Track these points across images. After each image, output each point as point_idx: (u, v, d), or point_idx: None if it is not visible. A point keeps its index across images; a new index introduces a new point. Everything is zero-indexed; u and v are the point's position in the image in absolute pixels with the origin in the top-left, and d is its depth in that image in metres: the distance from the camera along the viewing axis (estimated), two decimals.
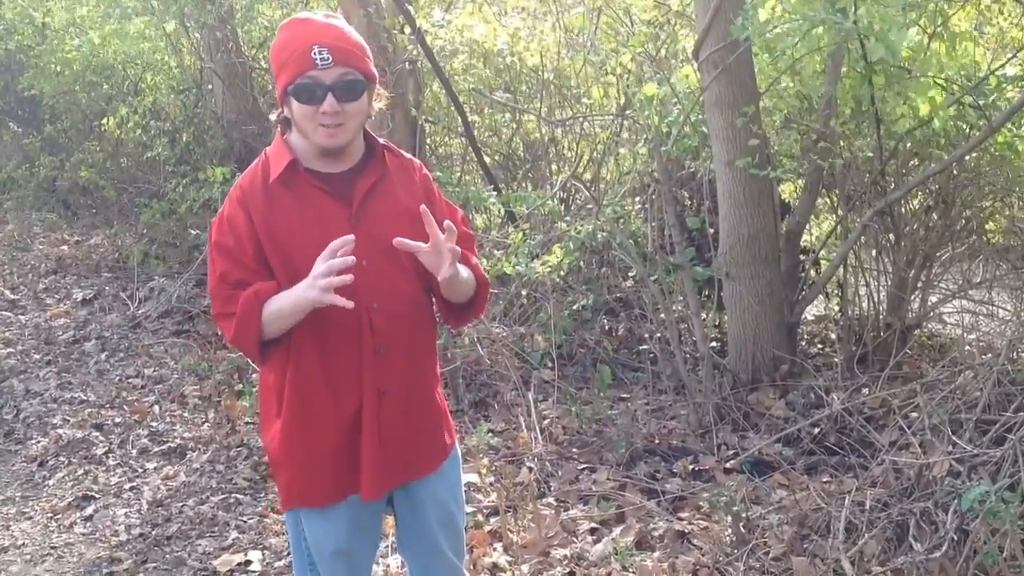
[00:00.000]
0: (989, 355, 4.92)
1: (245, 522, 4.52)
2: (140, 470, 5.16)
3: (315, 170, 2.43)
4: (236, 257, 2.38)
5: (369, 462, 2.47)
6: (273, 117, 2.49)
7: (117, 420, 5.75)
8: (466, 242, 2.60)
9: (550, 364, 5.66)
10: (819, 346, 6.29)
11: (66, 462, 5.29)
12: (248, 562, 4.13)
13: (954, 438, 3.84)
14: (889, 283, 5.83)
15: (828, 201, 6.29)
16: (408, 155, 2.64)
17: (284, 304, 2.33)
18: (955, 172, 5.48)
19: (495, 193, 6.62)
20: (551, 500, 4.43)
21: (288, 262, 2.37)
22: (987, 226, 6.04)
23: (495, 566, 3.88)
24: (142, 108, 9.32)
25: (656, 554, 3.91)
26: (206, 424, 5.66)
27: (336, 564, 2.58)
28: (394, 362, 2.45)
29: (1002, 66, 5.00)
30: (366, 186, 2.45)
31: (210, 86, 9.60)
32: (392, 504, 2.64)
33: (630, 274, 6.19)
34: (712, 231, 5.71)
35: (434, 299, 2.62)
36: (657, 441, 4.97)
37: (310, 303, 2.27)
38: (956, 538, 3.38)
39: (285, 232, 2.38)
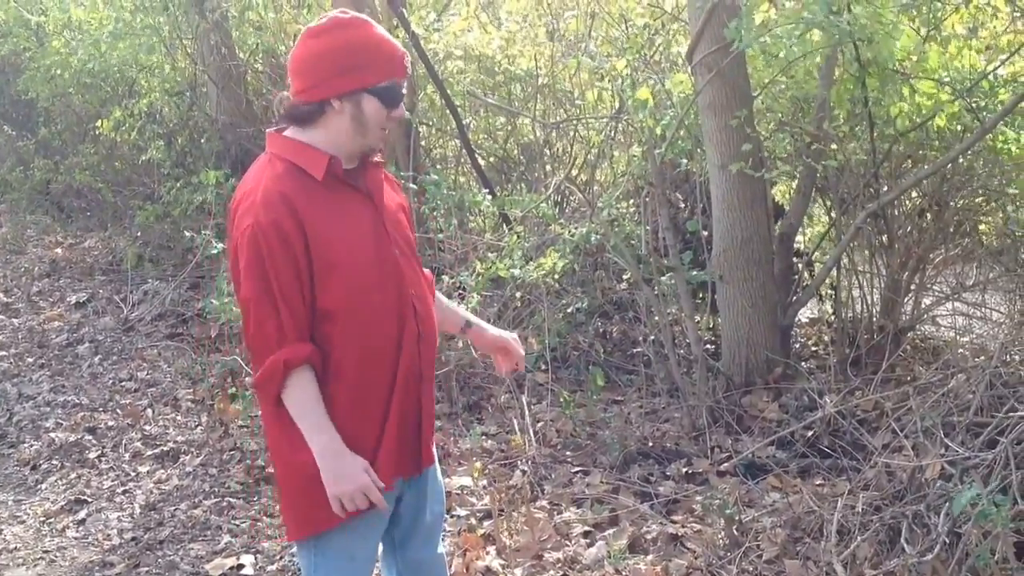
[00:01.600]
0: (982, 358, 4.92)
1: (238, 526, 4.51)
2: (133, 474, 5.15)
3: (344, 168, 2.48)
4: (284, 266, 2.33)
5: (407, 447, 2.54)
6: (300, 108, 2.43)
7: (110, 424, 5.74)
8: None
9: (544, 367, 5.66)
10: (812, 349, 6.30)
11: (59, 466, 5.28)
12: (240, 566, 4.12)
13: (946, 441, 3.84)
14: (882, 285, 5.84)
15: (822, 204, 6.30)
16: None
17: (314, 429, 2.39)
18: (948, 174, 5.49)
19: (489, 196, 6.62)
20: (544, 503, 4.43)
21: (333, 258, 2.37)
22: (980, 228, 6.04)
23: (488, 569, 3.87)
24: (137, 111, 9.30)
25: (649, 557, 3.90)
26: (199, 427, 5.65)
27: (364, 569, 2.59)
28: (429, 347, 2.56)
29: (995, 69, 5.01)
30: (379, 183, 2.55)
31: (204, 89, 9.59)
32: (397, 500, 2.63)
33: (624, 277, 6.19)
34: (706, 234, 5.71)
35: None
36: (651, 444, 4.97)
37: (337, 475, 2.38)
38: (948, 541, 3.38)
39: (329, 228, 2.38)
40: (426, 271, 2.75)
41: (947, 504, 3.44)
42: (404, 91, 2.46)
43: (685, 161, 5.97)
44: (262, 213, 2.33)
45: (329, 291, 2.38)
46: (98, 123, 9.43)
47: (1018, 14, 5.23)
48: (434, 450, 2.71)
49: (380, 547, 2.76)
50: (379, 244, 2.47)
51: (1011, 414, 3.73)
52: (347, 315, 2.40)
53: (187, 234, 7.81)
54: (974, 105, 4.82)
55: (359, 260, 2.41)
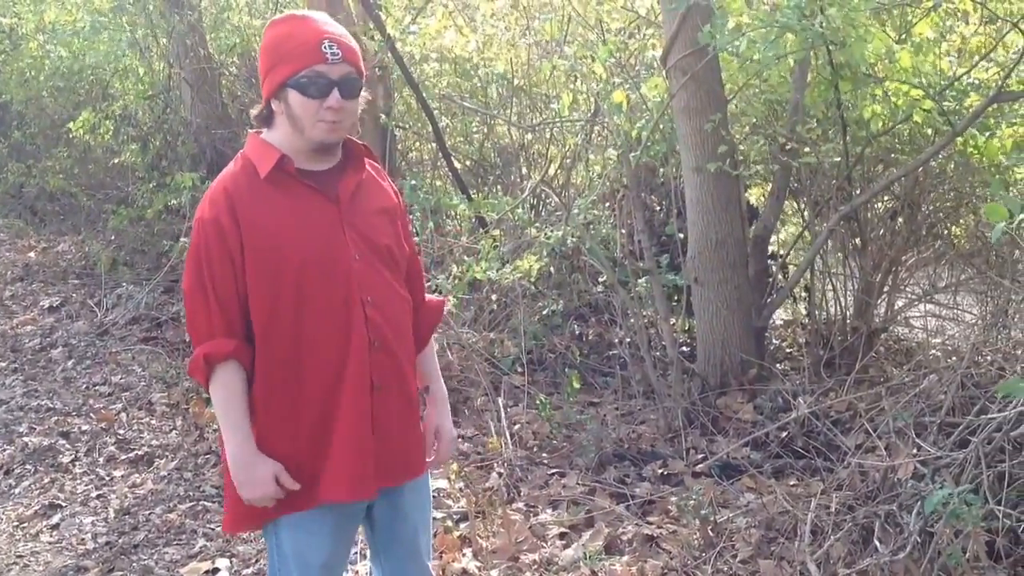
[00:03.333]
0: (954, 359, 4.97)
1: (213, 530, 4.49)
2: (107, 478, 5.12)
3: (301, 168, 2.44)
4: (219, 261, 2.35)
5: (365, 458, 2.45)
6: (254, 112, 2.48)
7: (84, 428, 5.71)
8: (418, 277, 2.73)
9: (520, 369, 5.67)
10: (787, 350, 6.33)
11: (32, 470, 5.24)
12: (216, 570, 4.10)
13: (918, 441, 3.88)
14: (856, 287, 5.88)
15: (795, 206, 6.34)
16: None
17: (227, 430, 2.40)
18: (920, 177, 5.54)
19: (466, 200, 6.64)
20: (521, 505, 4.44)
21: (274, 256, 2.37)
22: (952, 230, 6.10)
23: (464, 572, 3.88)
24: (111, 114, 9.26)
25: (625, 558, 3.92)
26: (174, 431, 5.62)
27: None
28: (388, 357, 2.48)
29: (967, 72, 5.07)
30: (352, 184, 2.50)
31: (178, 92, 9.55)
32: (370, 508, 2.61)
33: (600, 279, 6.21)
34: (682, 236, 5.74)
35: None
36: (626, 445, 4.99)
37: (242, 480, 2.39)
38: (920, 540, 3.42)
39: (272, 226, 2.37)
40: (434, 297, 2.77)
41: (919, 503, 3.47)
42: (335, 77, 2.34)
43: (663, 170, 6.01)
44: (207, 208, 2.37)
45: (258, 290, 2.37)
46: (69, 125, 9.37)
47: (987, 19, 5.29)
48: (426, 462, 2.67)
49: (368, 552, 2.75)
50: (332, 246, 2.42)
51: (982, 415, 3.78)
52: (273, 316, 2.38)
53: (163, 239, 7.82)
54: (945, 108, 4.87)
55: (296, 260, 2.38)
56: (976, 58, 5.29)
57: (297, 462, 2.43)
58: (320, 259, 2.40)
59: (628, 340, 5.74)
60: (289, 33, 2.38)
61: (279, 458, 2.42)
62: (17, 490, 5.06)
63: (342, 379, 2.42)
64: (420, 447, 2.65)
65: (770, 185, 5.85)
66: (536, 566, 3.90)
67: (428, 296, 2.78)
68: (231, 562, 4.17)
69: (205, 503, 4.74)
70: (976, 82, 5.08)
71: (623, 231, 5.91)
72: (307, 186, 2.44)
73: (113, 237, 9.03)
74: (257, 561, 4.16)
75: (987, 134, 4.98)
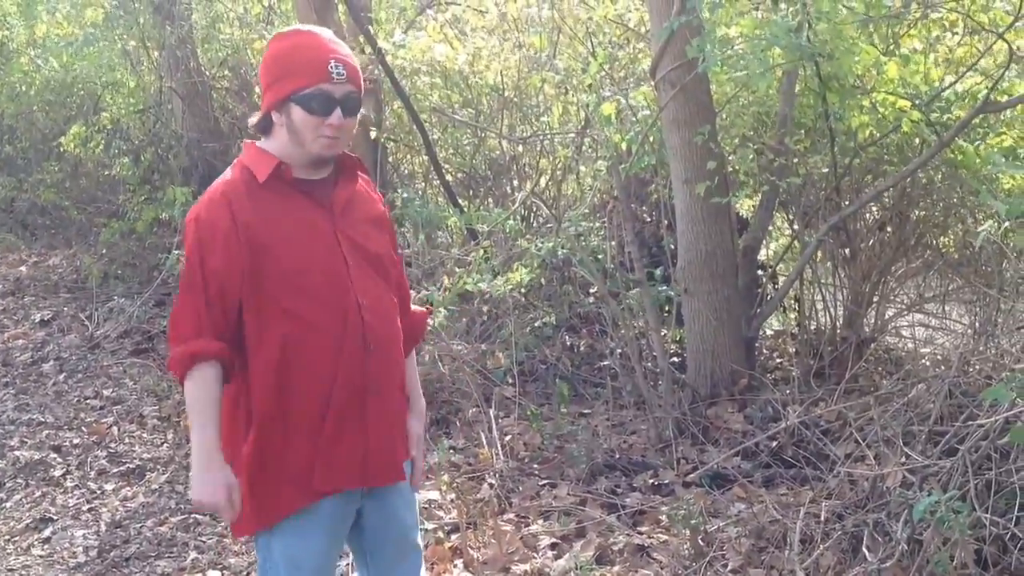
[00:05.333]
0: (942, 368, 4.99)
1: (204, 542, 4.49)
2: (98, 491, 5.12)
3: (297, 176, 2.49)
4: (217, 261, 2.38)
5: (357, 455, 2.51)
6: (253, 121, 2.52)
7: (75, 441, 5.70)
8: (405, 287, 2.80)
9: (511, 381, 5.68)
10: (777, 360, 6.35)
11: (24, 484, 5.23)
12: None
13: (907, 450, 3.90)
14: (845, 297, 5.91)
15: (784, 217, 6.37)
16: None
17: (196, 428, 2.42)
18: (908, 188, 5.57)
19: (458, 212, 6.66)
20: (512, 516, 4.44)
21: (270, 260, 2.41)
22: (941, 240, 6.13)
23: None
24: (101, 127, 9.27)
25: (616, 568, 3.93)
26: (165, 444, 5.62)
27: None
28: (382, 360, 2.53)
29: (954, 84, 5.10)
30: (345, 195, 2.56)
31: (170, 105, 9.57)
32: (359, 513, 2.63)
33: (591, 291, 6.23)
34: (673, 247, 5.76)
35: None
36: (617, 456, 5.00)
37: (196, 481, 2.43)
38: (908, 548, 3.43)
39: (269, 230, 2.41)
40: (418, 308, 2.84)
41: (907, 512, 3.49)
42: (338, 96, 2.41)
43: (654, 187, 6.03)
44: (203, 209, 2.42)
45: (257, 292, 2.41)
46: (61, 139, 9.38)
47: (972, 31, 5.32)
48: (407, 468, 2.70)
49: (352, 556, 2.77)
50: (327, 252, 2.48)
51: (969, 423, 3.80)
52: (267, 318, 2.42)
53: (158, 256, 7.82)
54: (932, 119, 4.90)
55: (292, 265, 2.42)
56: (963, 69, 5.33)
57: (291, 460, 2.47)
58: (315, 264, 2.45)
59: (619, 351, 5.76)
60: (296, 48, 2.43)
61: (273, 456, 2.45)
62: (8, 504, 5.05)
63: (336, 380, 2.46)
64: (403, 450, 2.70)
65: (759, 196, 5.88)
66: None
67: (413, 307, 2.84)
68: (223, 574, 4.18)
69: (196, 516, 4.73)
70: (963, 92, 5.11)
71: (614, 242, 5.92)
72: (303, 193, 2.49)
73: (104, 251, 9.02)
74: (248, 573, 4.16)
75: (976, 143, 5.02)
